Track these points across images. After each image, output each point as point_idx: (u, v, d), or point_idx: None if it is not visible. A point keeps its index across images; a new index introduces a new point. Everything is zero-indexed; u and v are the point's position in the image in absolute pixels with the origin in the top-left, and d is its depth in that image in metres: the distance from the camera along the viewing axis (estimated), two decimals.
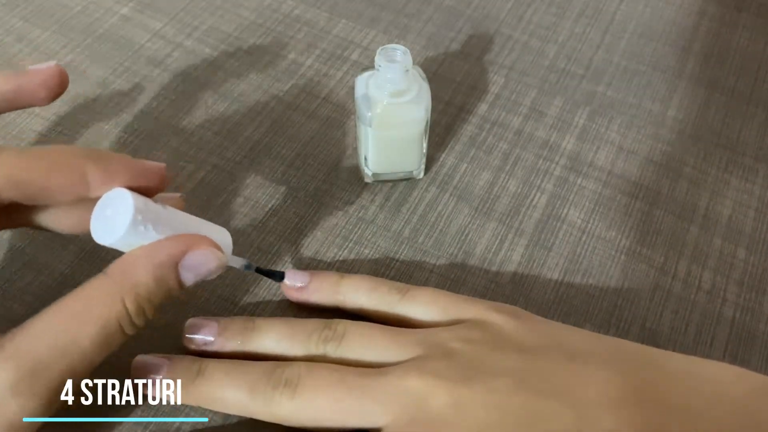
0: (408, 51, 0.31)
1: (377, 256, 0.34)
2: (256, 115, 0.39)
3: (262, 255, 0.34)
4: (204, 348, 0.30)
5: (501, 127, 0.39)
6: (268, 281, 0.32)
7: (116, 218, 0.25)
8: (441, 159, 0.38)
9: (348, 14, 0.45)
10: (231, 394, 0.27)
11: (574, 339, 0.29)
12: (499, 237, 0.35)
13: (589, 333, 0.30)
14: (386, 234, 0.35)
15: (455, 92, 0.41)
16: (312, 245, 0.34)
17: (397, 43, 0.43)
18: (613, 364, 0.28)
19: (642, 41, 0.44)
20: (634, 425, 0.26)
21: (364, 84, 0.33)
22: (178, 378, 0.28)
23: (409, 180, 0.37)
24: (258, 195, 0.36)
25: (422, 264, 0.34)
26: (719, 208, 0.36)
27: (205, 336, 0.29)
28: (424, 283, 0.33)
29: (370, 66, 0.32)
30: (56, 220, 0.28)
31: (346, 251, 0.34)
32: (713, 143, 0.39)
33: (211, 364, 0.28)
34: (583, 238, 0.35)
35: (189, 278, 0.26)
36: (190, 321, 0.30)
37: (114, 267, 0.25)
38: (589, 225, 0.35)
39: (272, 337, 0.29)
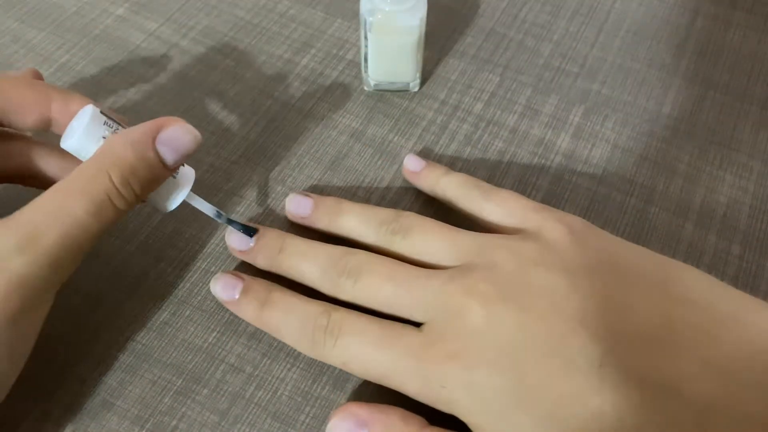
0: None
1: None
2: (252, 115, 0.39)
3: None
4: (301, 222, 0.34)
5: (496, 125, 0.39)
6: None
7: (77, 123, 0.28)
8: (437, 158, 0.38)
9: (343, 14, 0.45)
10: (307, 270, 0.31)
11: (627, 256, 0.30)
12: None
13: (645, 251, 0.30)
14: None
15: (450, 91, 0.41)
16: None
17: None
18: (659, 291, 0.28)
19: (636, 39, 0.44)
20: (658, 366, 0.26)
21: None
22: (265, 248, 0.32)
23: (406, 91, 0.40)
24: (254, 194, 0.36)
25: None
26: (714, 205, 0.37)
27: (301, 212, 0.34)
28: None
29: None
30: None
31: None
32: (708, 140, 0.39)
33: (292, 242, 0.32)
34: None
35: (167, 153, 0.28)
36: (291, 195, 0.34)
37: (97, 150, 0.27)
38: None
39: (354, 220, 0.32)
